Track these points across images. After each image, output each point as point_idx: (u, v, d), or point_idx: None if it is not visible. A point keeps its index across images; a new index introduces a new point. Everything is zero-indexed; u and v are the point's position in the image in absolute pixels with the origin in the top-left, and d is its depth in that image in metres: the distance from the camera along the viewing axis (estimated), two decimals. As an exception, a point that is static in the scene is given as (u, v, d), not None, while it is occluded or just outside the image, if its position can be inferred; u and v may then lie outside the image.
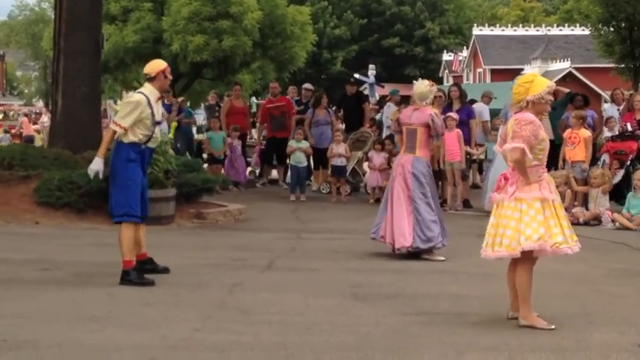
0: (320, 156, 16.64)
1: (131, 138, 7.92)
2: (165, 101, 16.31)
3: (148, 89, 8.06)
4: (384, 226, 9.69)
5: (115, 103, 10.23)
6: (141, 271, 7.98)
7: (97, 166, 8.03)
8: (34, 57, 76.68)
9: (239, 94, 18.51)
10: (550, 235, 6.41)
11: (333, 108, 18.59)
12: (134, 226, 8.03)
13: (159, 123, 8.14)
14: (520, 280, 6.53)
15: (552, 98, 6.58)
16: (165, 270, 8.32)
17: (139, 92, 8.12)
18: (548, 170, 7.30)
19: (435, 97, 9.65)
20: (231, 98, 18.39)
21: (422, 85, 9.79)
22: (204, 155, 18.30)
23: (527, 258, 6.50)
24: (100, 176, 8.13)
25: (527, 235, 6.39)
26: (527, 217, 6.42)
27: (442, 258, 9.55)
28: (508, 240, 6.45)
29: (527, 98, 6.51)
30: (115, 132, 7.93)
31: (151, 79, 8.08)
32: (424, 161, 9.69)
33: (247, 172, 18.12)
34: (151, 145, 8.12)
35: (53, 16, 15.87)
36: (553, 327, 6.43)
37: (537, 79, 6.66)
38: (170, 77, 8.28)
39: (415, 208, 9.52)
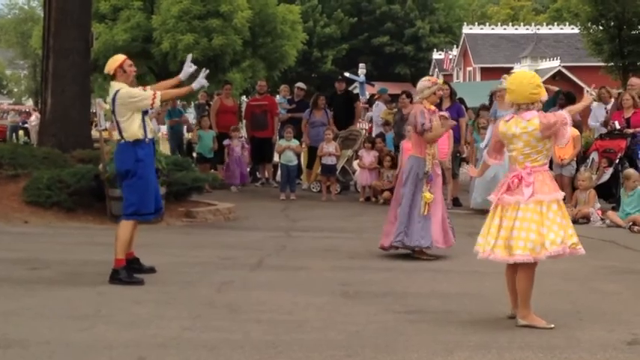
0: (316, 155, 16.60)
1: (137, 135, 7.94)
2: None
3: (119, 86, 8.04)
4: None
5: (105, 101, 10.21)
6: (130, 270, 7.98)
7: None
8: (24, 56, 76.26)
9: (229, 93, 18.45)
10: (567, 236, 6.40)
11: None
12: (134, 225, 8.05)
13: (145, 113, 8.11)
14: (523, 283, 6.45)
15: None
16: (151, 270, 8.30)
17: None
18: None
19: (435, 93, 9.54)
20: (221, 97, 18.32)
21: (420, 81, 9.71)
22: (194, 154, 18.25)
23: (529, 262, 6.42)
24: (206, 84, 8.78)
25: (551, 239, 6.32)
26: (547, 221, 6.36)
27: (432, 257, 9.56)
28: (532, 244, 6.31)
29: (542, 99, 6.53)
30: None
31: (113, 77, 8.11)
32: (413, 159, 9.66)
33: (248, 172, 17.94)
34: (150, 135, 8.11)
35: (42, 15, 15.83)
36: (552, 326, 6.42)
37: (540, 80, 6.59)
38: (130, 69, 8.12)
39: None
